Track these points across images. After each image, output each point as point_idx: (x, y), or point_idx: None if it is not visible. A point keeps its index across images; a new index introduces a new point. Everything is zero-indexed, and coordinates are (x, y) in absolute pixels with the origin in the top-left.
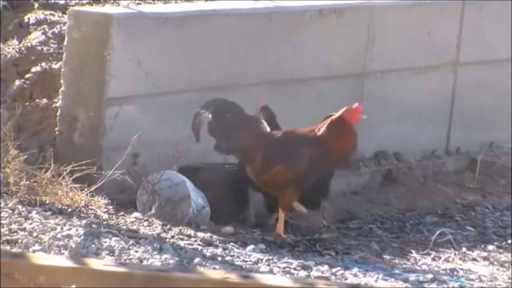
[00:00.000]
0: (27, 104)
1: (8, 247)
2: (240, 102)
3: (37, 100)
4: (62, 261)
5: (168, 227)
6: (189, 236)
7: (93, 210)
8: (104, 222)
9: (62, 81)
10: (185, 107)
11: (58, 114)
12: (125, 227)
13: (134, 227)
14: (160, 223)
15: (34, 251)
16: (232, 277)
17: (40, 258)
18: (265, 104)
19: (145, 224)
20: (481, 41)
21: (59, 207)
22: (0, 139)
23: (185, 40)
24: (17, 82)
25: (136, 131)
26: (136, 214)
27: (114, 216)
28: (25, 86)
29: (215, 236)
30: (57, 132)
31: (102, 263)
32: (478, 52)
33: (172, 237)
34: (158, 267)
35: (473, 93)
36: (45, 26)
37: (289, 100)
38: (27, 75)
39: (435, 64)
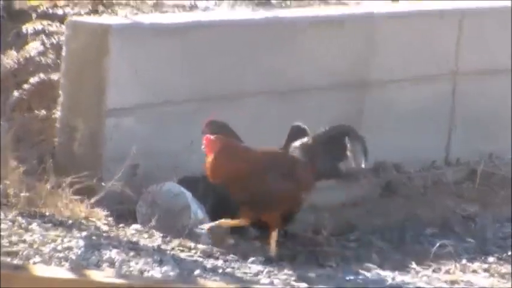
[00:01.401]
0: (26, 115)
1: (8, 259)
2: (239, 112)
3: (36, 111)
4: (63, 273)
5: (168, 238)
6: (189, 248)
7: (93, 221)
8: (104, 234)
9: (60, 91)
10: (184, 117)
11: (57, 125)
12: (125, 238)
13: (134, 239)
14: (161, 235)
15: (34, 263)
16: None
17: (40, 270)
18: (212, 118)
19: (146, 235)
20: (481, 50)
21: (59, 219)
22: (0, 150)
23: (183, 50)
24: (16, 93)
25: (136, 141)
26: (136, 226)
27: (114, 227)
28: (24, 96)
29: (215, 248)
30: (56, 143)
31: (103, 275)
32: (478, 61)
33: (173, 249)
34: (158, 279)
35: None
36: (44, 36)
37: (289, 109)
38: (26, 86)
39: (435, 73)
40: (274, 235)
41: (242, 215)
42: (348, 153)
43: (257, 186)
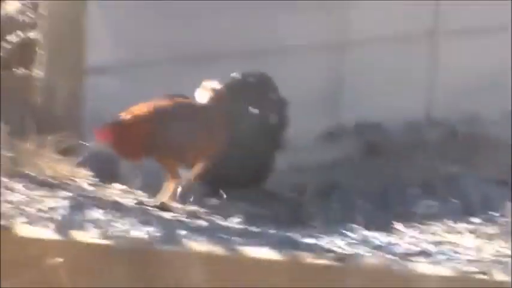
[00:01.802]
0: (5, 73)
1: None
2: (215, 73)
3: (16, 70)
4: (48, 233)
5: (153, 199)
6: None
7: (78, 182)
8: (89, 195)
9: (40, 50)
10: (164, 76)
11: (37, 83)
12: (110, 199)
13: (119, 199)
14: (145, 195)
15: (19, 224)
16: (218, 250)
17: (25, 230)
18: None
19: (131, 196)
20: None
21: (43, 179)
22: None
23: (164, 9)
24: None
25: (116, 100)
26: (121, 186)
27: (98, 187)
28: (3, 55)
29: (200, 209)
30: (37, 103)
31: (88, 236)
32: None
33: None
34: (144, 240)
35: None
36: None
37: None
38: (5, 45)
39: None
40: (172, 185)
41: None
42: (265, 102)
43: (162, 137)
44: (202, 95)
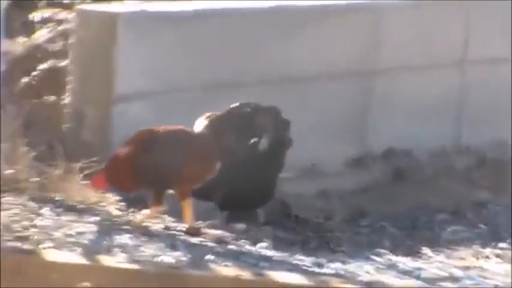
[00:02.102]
0: (35, 101)
1: (19, 244)
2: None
3: (45, 97)
4: (74, 258)
5: (180, 224)
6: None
7: (105, 207)
8: (116, 219)
9: (69, 78)
10: (190, 104)
11: (66, 111)
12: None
13: (146, 224)
14: (172, 220)
15: (46, 248)
16: (246, 275)
17: (52, 255)
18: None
19: (157, 221)
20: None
21: (71, 204)
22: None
23: (190, 38)
24: (25, 79)
25: (143, 127)
26: (147, 211)
27: (126, 213)
28: (33, 82)
29: (227, 233)
30: (65, 130)
31: (115, 260)
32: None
33: (185, 234)
34: (171, 265)
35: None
36: (52, 24)
37: (297, 98)
38: (35, 73)
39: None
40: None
41: (153, 201)
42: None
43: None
44: (200, 124)
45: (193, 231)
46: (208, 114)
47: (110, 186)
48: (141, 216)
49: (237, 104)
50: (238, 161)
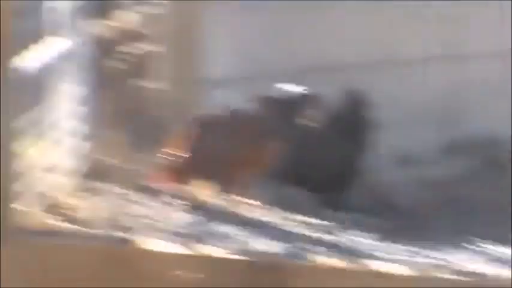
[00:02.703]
0: (125, 86)
1: (120, 233)
2: (327, 85)
3: (135, 82)
4: (177, 248)
5: (287, 214)
6: (309, 224)
7: (209, 196)
8: (219, 209)
9: (158, 63)
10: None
11: (155, 96)
12: (243, 214)
13: (249, 214)
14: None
15: (148, 238)
16: (341, 263)
17: (154, 245)
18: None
19: (264, 211)
20: None
21: (173, 193)
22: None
23: (279, 23)
24: (115, 64)
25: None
26: (249, 201)
27: (231, 203)
28: (123, 68)
29: (331, 223)
30: (154, 115)
31: (220, 251)
32: None
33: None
34: (270, 254)
35: None
36: (142, 8)
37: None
38: (125, 57)
39: None
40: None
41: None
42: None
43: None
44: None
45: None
46: (261, 95)
47: (170, 178)
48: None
49: (291, 86)
50: (311, 143)
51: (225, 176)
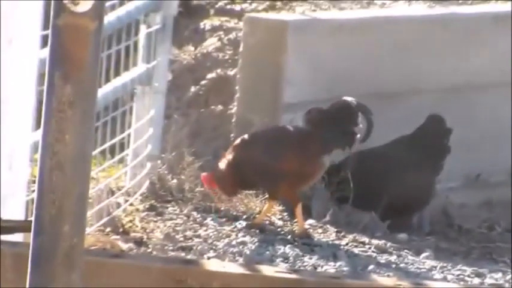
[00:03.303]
0: (202, 110)
1: (182, 254)
2: (414, 109)
3: (212, 106)
4: (235, 268)
5: (343, 234)
6: (364, 243)
7: (268, 217)
8: (279, 229)
9: (237, 87)
10: None
11: (233, 120)
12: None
13: (313, 235)
14: (335, 230)
15: (208, 258)
16: (405, 284)
17: (213, 265)
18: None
19: (320, 231)
20: None
21: (234, 214)
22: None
23: (360, 46)
24: (192, 89)
25: None
26: (310, 221)
27: (288, 223)
28: (200, 92)
29: (389, 243)
30: (232, 139)
31: (275, 270)
32: None
33: (347, 244)
34: (330, 274)
35: None
36: (221, 33)
37: (462, 107)
38: (203, 82)
39: None
40: (297, 210)
41: (267, 199)
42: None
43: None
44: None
45: (302, 235)
46: (309, 109)
47: (217, 187)
48: (261, 214)
49: (340, 99)
50: (393, 167)
51: (269, 184)
